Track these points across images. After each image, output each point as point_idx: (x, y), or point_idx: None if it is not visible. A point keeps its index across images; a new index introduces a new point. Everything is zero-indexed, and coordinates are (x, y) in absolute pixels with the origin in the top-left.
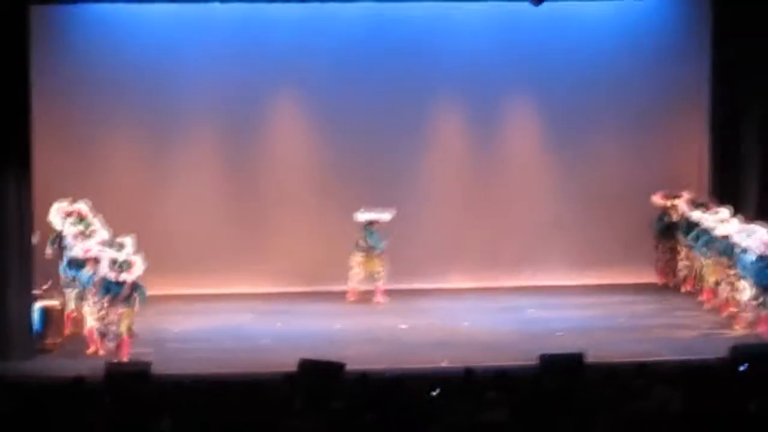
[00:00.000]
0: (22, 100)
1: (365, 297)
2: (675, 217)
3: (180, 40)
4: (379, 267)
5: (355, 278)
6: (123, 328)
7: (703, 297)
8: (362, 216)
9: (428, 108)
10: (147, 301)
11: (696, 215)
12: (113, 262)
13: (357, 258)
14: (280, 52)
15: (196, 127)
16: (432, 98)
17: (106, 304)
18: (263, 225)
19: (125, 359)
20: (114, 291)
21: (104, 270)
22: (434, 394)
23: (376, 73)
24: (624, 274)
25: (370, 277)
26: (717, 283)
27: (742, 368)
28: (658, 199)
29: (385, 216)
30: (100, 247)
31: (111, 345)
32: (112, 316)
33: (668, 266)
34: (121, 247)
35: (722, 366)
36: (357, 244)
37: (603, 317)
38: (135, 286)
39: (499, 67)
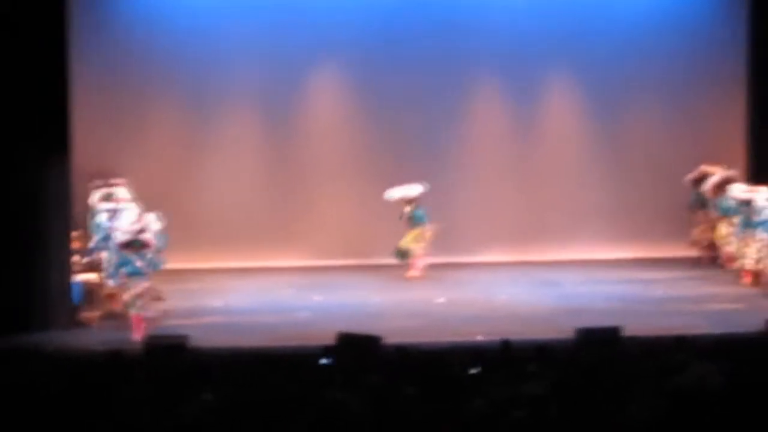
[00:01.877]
0: (61, 76)
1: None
2: (709, 195)
3: (219, 15)
4: (421, 241)
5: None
6: (136, 306)
7: (743, 274)
8: (392, 194)
9: (468, 83)
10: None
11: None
12: (127, 243)
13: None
14: (319, 27)
15: (235, 101)
16: (472, 73)
17: (121, 282)
18: (302, 199)
19: (137, 336)
20: (130, 270)
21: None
22: (473, 372)
23: (415, 48)
24: (662, 247)
25: (408, 249)
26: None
27: None
28: (696, 178)
29: (413, 190)
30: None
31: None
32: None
33: (706, 241)
34: (143, 230)
35: (760, 339)
36: (403, 220)
37: (641, 291)
38: (151, 264)
39: (539, 43)
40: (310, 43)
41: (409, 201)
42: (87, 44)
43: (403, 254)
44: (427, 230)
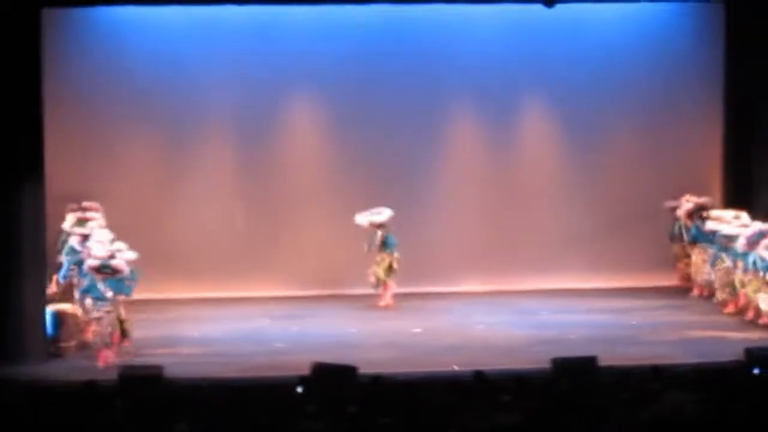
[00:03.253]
0: (34, 102)
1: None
2: (687, 225)
3: (195, 42)
4: (390, 269)
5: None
6: (106, 339)
7: (731, 307)
8: (361, 219)
9: (443, 110)
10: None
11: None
12: (99, 267)
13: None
14: (295, 54)
15: (211, 129)
16: (447, 100)
17: (92, 309)
18: (279, 228)
19: (101, 365)
20: (97, 295)
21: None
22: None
23: (391, 75)
24: (638, 277)
25: (383, 278)
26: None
27: (757, 371)
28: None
29: (382, 215)
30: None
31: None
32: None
33: (687, 270)
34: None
35: (737, 369)
36: (371, 243)
37: (617, 321)
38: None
39: (514, 70)
40: (286, 70)
41: (379, 226)
42: (62, 69)
43: (379, 283)
44: (395, 257)
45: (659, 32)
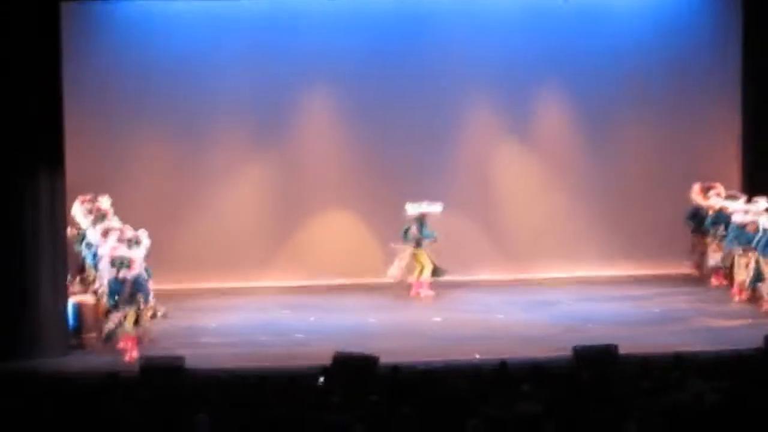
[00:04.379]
0: (53, 97)
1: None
2: (710, 212)
3: (210, 37)
4: (427, 260)
5: (407, 270)
6: (127, 328)
7: (734, 292)
8: (413, 209)
9: (459, 103)
10: (150, 299)
11: (732, 206)
12: (112, 260)
13: (408, 250)
14: (311, 48)
15: (227, 121)
16: (463, 93)
17: (113, 305)
18: (296, 219)
19: (132, 360)
20: (117, 291)
21: (104, 270)
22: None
23: (406, 68)
24: (658, 265)
25: (418, 269)
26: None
27: None
28: (695, 194)
29: (436, 208)
30: (111, 246)
31: (111, 344)
32: (118, 316)
33: (702, 259)
34: (136, 243)
35: (757, 357)
36: (406, 237)
37: (637, 309)
38: (137, 285)
39: (530, 62)
40: (301, 65)
41: (420, 217)
42: (79, 64)
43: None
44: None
45: (676, 22)
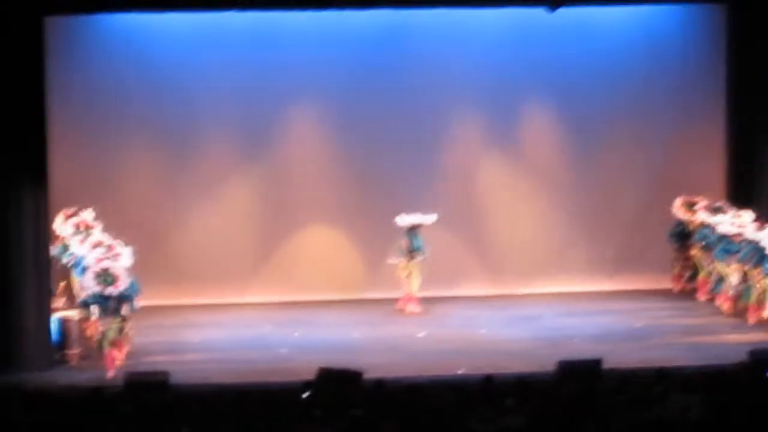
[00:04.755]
0: (37, 111)
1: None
2: (692, 226)
3: (196, 50)
4: (417, 273)
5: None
6: (107, 342)
7: (721, 302)
8: (404, 220)
9: (446, 115)
10: (138, 311)
11: (717, 220)
12: (97, 275)
13: (400, 263)
14: (298, 61)
15: (212, 135)
16: (449, 105)
17: (96, 318)
18: (280, 234)
19: (111, 373)
20: (102, 304)
21: (89, 284)
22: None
23: (392, 81)
24: (641, 280)
25: (408, 283)
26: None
27: None
28: (678, 209)
29: (429, 219)
30: (96, 258)
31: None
32: (101, 329)
33: (685, 273)
34: (116, 258)
35: (741, 371)
36: (399, 249)
37: (621, 323)
38: (123, 298)
39: (517, 74)
40: (287, 78)
41: (411, 229)
42: (62, 77)
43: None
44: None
45: (662, 35)
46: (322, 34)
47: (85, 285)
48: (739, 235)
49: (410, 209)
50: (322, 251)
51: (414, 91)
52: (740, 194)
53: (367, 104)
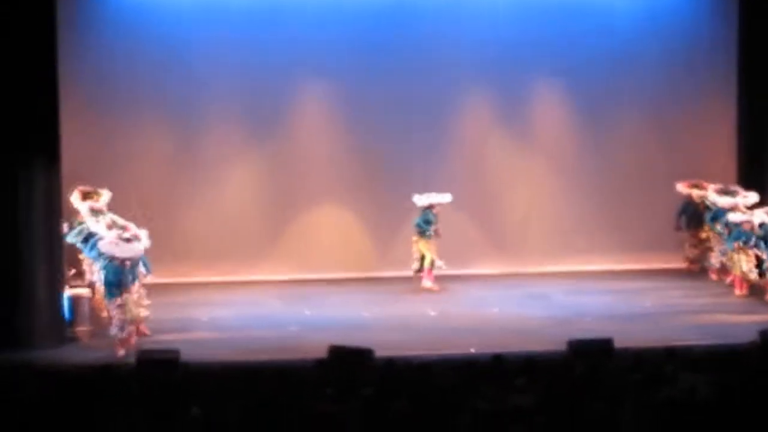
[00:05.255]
0: (50, 91)
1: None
2: (701, 206)
3: (204, 29)
4: (428, 250)
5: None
6: (128, 316)
7: (734, 284)
8: (420, 200)
9: (454, 94)
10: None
11: (726, 202)
12: (118, 236)
13: (418, 241)
14: (306, 40)
15: (221, 114)
16: (457, 85)
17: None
18: (289, 212)
19: (128, 352)
20: (115, 279)
21: (107, 247)
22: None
23: (401, 60)
24: (652, 259)
25: (424, 260)
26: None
27: None
28: (683, 188)
29: (444, 198)
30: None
31: (116, 334)
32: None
33: (696, 253)
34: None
35: (752, 351)
36: (417, 228)
37: (631, 303)
38: (133, 272)
39: (525, 54)
40: (295, 58)
41: (428, 208)
42: (73, 55)
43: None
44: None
45: (673, 14)
46: (330, 12)
47: (98, 260)
48: (749, 222)
49: (419, 188)
50: (332, 229)
51: (423, 69)
52: (750, 176)
53: (375, 83)
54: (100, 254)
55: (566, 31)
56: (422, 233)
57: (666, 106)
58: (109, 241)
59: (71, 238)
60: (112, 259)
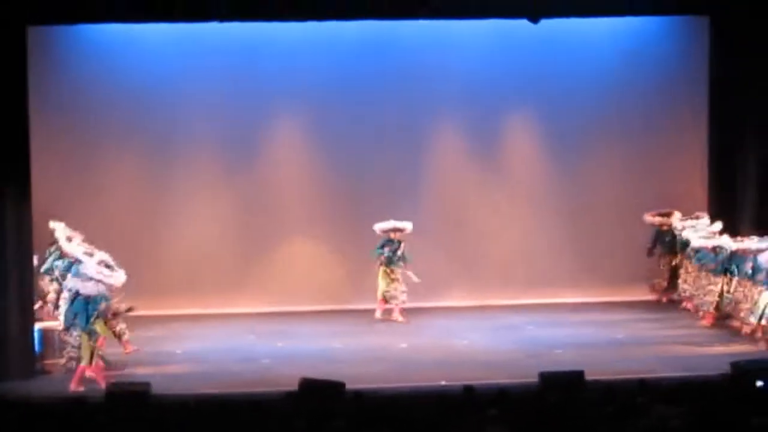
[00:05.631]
0: (20, 122)
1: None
2: (671, 234)
3: (178, 62)
4: (398, 282)
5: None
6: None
7: (702, 314)
8: (379, 226)
9: (428, 126)
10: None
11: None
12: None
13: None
14: (282, 71)
15: (196, 146)
16: (433, 116)
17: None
18: (264, 245)
19: (76, 387)
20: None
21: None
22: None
23: (377, 92)
24: (623, 291)
25: (389, 292)
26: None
27: (761, 384)
28: (650, 218)
29: (403, 225)
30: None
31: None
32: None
33: (664, 285)
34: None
35: (723, 382)
36: (381, 258)
37: (602, 334)
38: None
39: (499, 85)
40: (272, 86)
41: (397, 234)
42: (46, 87)
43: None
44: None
45: (644, 46)
46: (305, 44)
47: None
48: (716, 246)
49: (393, 219)
50: (305, 262)
51: (397, 103)
52: (721, 206)
53: (350, 115)
54: (68, 287)
55: (538, 64)
56: (388, 261)
57: (639, 137)
58: (87, 272)
59: (49, 264)
60: (78, 293)
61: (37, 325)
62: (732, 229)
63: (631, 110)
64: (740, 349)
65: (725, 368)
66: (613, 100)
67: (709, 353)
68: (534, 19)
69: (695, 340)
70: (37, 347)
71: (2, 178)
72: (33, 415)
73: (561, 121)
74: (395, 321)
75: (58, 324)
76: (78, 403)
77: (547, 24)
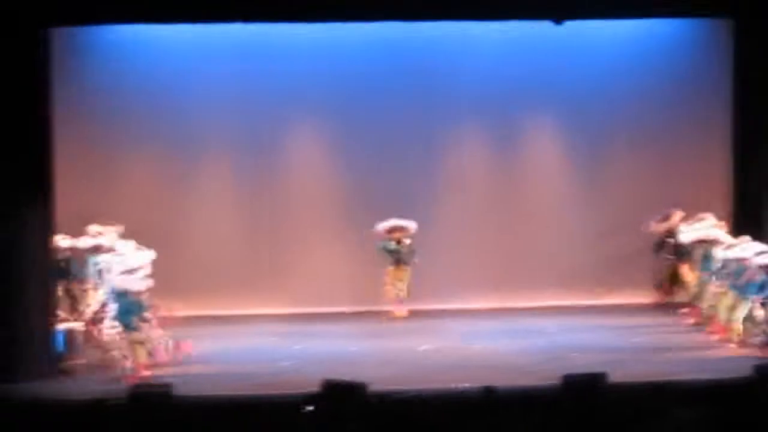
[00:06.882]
0: (43, 124)
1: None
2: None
3: (196, 63)
4: (392, 280)
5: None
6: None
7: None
8: (381, 225)
9: (446, 128)
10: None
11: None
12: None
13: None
14: (297, 73)
15: (213, 148)
16: (450, 118)
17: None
18: (282, 246)
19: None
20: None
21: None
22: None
23: (393, 94)
24: (644, 293)
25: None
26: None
27: None
28: (655, 226)
29: (407, 224)
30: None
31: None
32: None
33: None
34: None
35: (745, 386)
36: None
37: (621, 337)
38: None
39: (518, 87)
40: (289, 90)
41: (403, 233)
42: (63, 89)
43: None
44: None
45: (667, 49)
46: (323, 45)
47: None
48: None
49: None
50: (324, 263)
51: (416, 105)
52: (745, 211)
53: (369, 117)
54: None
55: (559, 66)
56: (396, 260)
57: (661, 140)
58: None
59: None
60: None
61: (61, 326)
62: (757, 236)
63: (653, 113)
64: (759, 352)
65: (748, 371)
66: (634, 104)
67: (733, 356)
68: (558, 21)
69: (716, 344)
70: (60, 347)
71: (25, 179)
72: (55, 416)
73: (582, 122)
74: (399, 317)
75: (81, 325)
76: (99, 403)
77: (568, 27)
